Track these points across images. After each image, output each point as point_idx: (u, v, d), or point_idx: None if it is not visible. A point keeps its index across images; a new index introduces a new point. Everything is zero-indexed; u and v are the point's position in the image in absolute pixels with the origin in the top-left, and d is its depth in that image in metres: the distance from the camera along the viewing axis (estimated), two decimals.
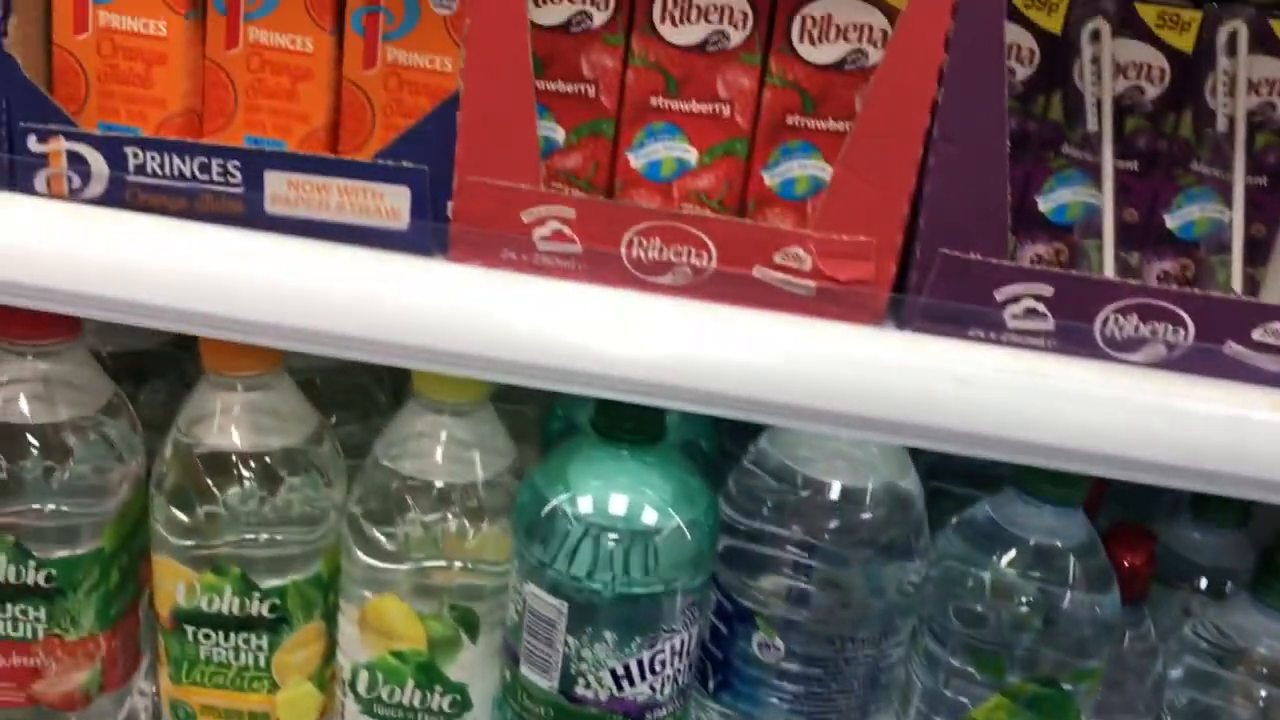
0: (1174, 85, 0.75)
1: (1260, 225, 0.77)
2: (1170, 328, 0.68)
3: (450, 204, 0.69)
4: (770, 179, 0.73)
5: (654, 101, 0.72)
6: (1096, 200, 0.77)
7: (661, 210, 0.69)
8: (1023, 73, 0.75)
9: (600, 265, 0.69)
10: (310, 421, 0.81)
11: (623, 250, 0.69)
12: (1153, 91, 0.75)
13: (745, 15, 0.71)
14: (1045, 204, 0.78)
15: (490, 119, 0.67)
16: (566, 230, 0.69)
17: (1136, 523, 0.91)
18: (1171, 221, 0.78)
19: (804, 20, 0.70)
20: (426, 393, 0.77)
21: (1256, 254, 0.78)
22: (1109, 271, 0.79)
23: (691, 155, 0.73)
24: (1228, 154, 0.76)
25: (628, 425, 0.74)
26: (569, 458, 0.76)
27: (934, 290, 0.68)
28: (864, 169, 0.67)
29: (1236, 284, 0.78)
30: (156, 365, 0.94)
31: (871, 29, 0.70)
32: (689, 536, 0.75)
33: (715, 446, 0.93)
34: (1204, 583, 0.99)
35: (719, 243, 0.68)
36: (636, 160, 0.74)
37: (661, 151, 0.73)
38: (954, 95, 0.65)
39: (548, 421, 0.93)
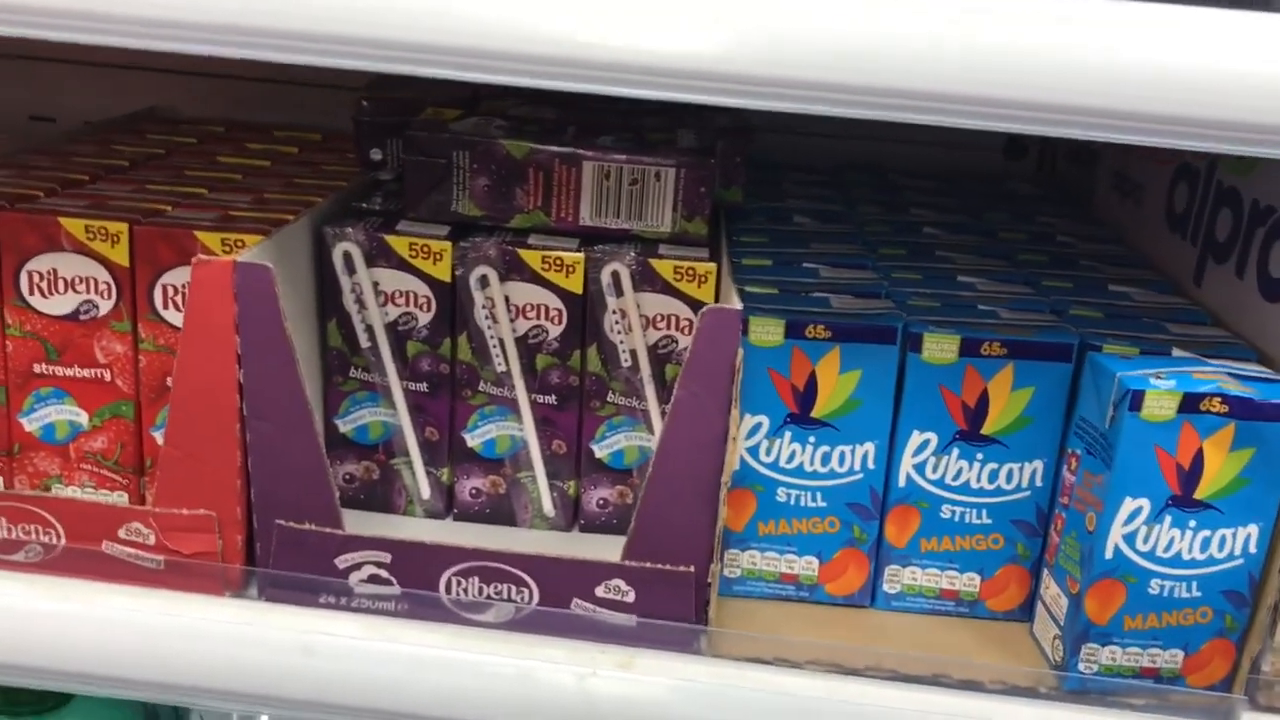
0: (572, 323, 0.75)
1: None
2: (514, 589, 0.67)
3: None
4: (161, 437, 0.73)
5: (37, 368, 0.73)
6: (521, 434, 0.77)
7: (2, 492, 0.69)
8: (424, 318, 0.75)
9: None
10: None
11: None
12: (554, 330, 0.75)
13: (109, 286, 0.71)
14: (473, 440, 0.78)
15: None
16: None
17: None
18: (600, 451, 0.78)
19: (164, 289, 0.71)
20: None
21: None
22: (546, 502, 0.79)
23: (83, 418, 0.74)
24: (638, 385, 0.76)
25: (25, 697, 0.73)
26: None
27: (278, 561, 0.68)
28: (188, 447, 0.67)
29: None
30: None
31: None
32: None
33: None
34: None
35: (65, 521, 0.68)
36: (30, 424, 0.74)
37: (54, 415, 0.74)
38: (252, 377, 0.65)
39: None
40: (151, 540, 0.68)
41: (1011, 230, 0.92)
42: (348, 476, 0.79)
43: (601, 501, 0.79)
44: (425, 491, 0.79)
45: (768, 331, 0.68)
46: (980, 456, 0.70)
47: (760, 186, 0.97)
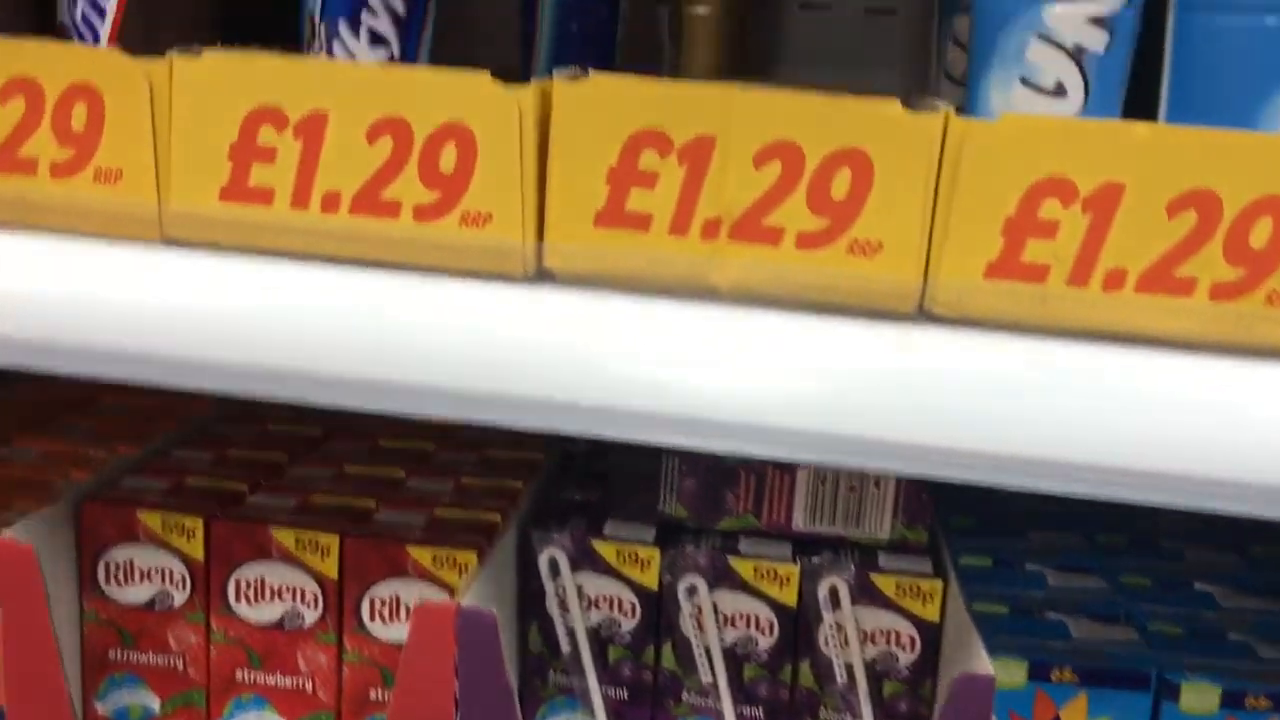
0: (784, 635, 0.72)
1: None
2: None
3: None
4: None
5: (239, 675, 0.72)
6: None
7: None
8: (628, 624, 0.73)
9: None
10: None
11: None
12: (765, 642, 0.72)
13: (316, 597, 0.70)
14: None
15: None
16: None
17: None
18: None
19: (372, 601, 0.70)
20: None
21: None
22: None
23: None
24: (854, 703, 0.72)
25: None
26: None
27: None
28: None
29: None
30: None
31: None
32: None
33: None
34: None
35: None
36: None
37: None
38: (469, 715, 0.63)
39: None
40: None
41: None
42: None
43: None
44: None
45: (1009, 673, 0.64)
46: None
47: None
